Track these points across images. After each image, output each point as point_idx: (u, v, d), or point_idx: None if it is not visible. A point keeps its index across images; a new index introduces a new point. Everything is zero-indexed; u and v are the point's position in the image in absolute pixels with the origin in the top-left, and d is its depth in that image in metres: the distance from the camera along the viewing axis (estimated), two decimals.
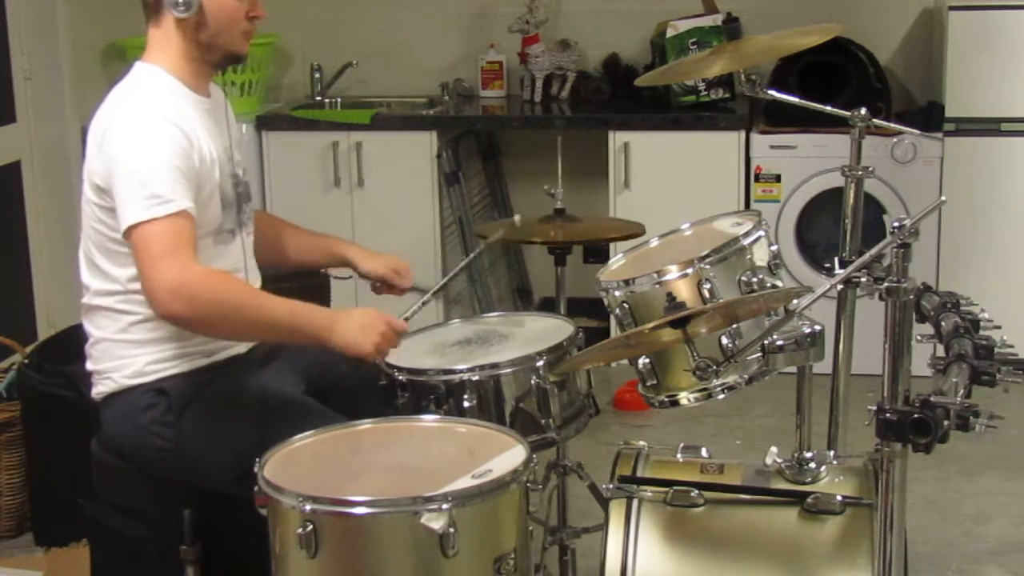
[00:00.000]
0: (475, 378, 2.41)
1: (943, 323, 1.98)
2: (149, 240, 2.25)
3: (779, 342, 2.17)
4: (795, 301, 2.07)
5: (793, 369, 2.27)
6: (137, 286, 2.36)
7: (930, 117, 4.63)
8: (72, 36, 4.72)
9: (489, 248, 5.02)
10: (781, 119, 4.64)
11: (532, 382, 2.43)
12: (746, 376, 2.20)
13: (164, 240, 2.25)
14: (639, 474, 2.36)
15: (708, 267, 2.22)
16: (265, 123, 4.86)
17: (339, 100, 5.27)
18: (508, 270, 5.34)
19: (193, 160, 2.35)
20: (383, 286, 2.78)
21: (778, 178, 4.64)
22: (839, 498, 2.24)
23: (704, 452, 2.43)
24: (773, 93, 2.92)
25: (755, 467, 2.36)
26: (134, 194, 2.27)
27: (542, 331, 2.62)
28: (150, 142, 2.31)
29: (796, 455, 2.33)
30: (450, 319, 2.89)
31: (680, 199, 4.54)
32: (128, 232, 2.27)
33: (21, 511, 3.60)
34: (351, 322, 2.33)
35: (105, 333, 2.47)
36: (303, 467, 2.10)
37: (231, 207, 2.50)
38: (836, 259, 2.79)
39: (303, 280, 2.92)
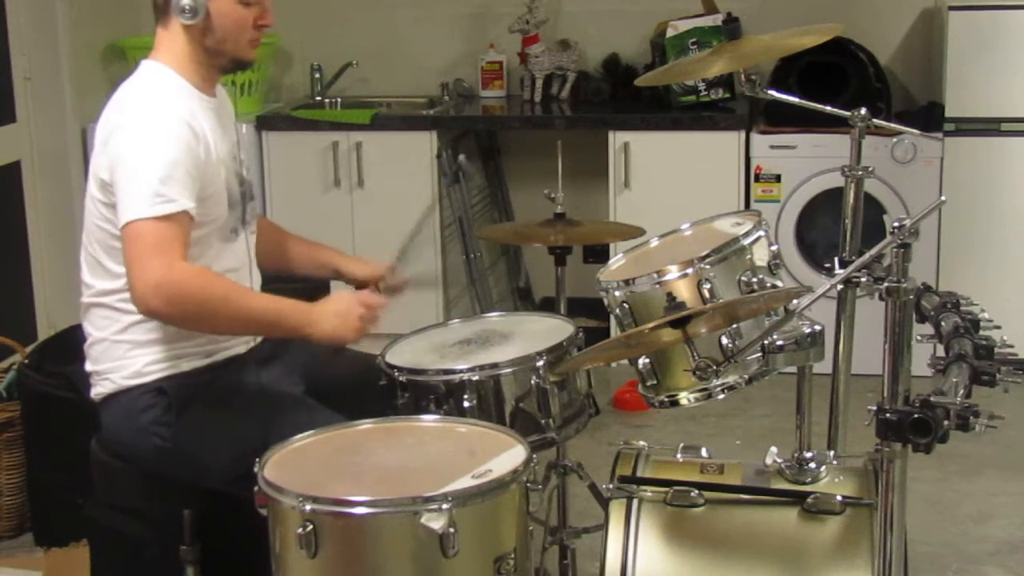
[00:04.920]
0: (475, 378, 2.41)
1: (943, 323, 1.98)
2: (140, 237, 2.26)
3: (779, 342, 2.16)
4: (795, 301, 2.07)
5: (793, 369, 2.27)
6: None
7: (930, 117, 4.63)
8: (72, 36, 4.72)
9: (490, 248, 5.06)
10: (781, 119, 4.65)
11: (532, 382, 2.43)
12: (746, 376, 2.20)
13: (155, 238, 2.26)
14: (639, 474, 2.36)
15: (708, 267, 2.21)
16: (265, 123, 4.87)
17: (339, 100, 5.27)
18: (508, 270, 5.35)
19: (200, 158, 2.36)
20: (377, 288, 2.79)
21: (778, 178, 4.64)
22: (839, 498, 2.24)
23: (704, 452, 2.43)
24: (773, 93, 2.92)
25: (755, 467, 2.36)
26: (136, 190, 2.28)
27: (542, 331, 2.61)
28: (157, 139, 2.32)
29: (796, 455, 2.33)
30: (450, 319, 2.89)
31: (680, 199, 4.54)
32: (125, 227, 2.28)
33: (21, 511, 3.60)
34: (327, 311, 2.38)
35: (104, 333, 2.47)
36: (303, 467, 2.10)
37: (236, 206, 2.51)
38: (836, 259, 2.79)
39: (302, 281, 2.93)
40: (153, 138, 2.32)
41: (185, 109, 2.39)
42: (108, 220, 2.39)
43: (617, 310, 2.30)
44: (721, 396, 2.23)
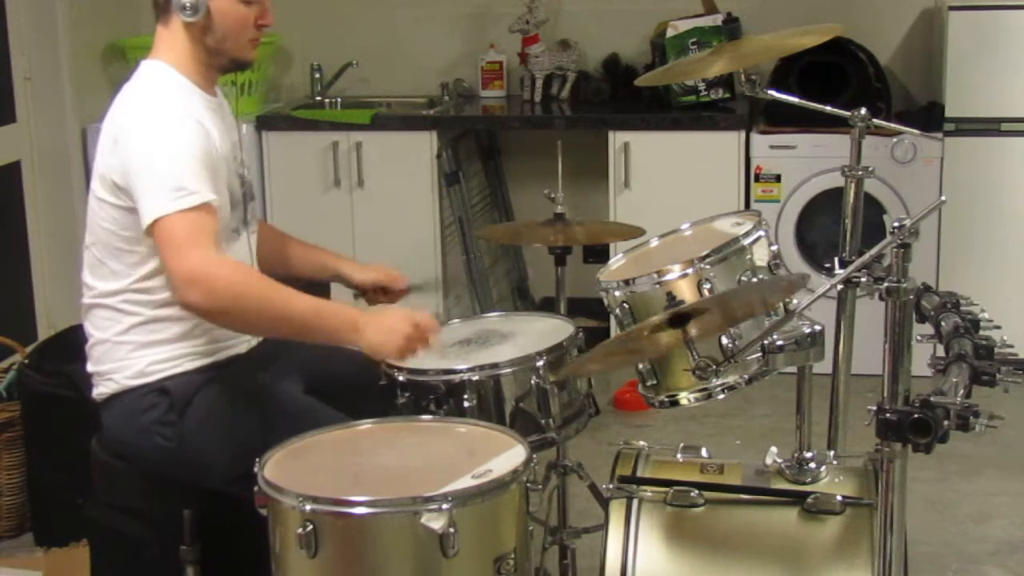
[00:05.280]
0: (475, 378, 2.41)
1: (943, 323, 1.98)
2: (173, 231, 2.25)
3: (779, 342, 2.16)
4: (795, 301, 2.07)
5: (793, 369, 2.27)
6: (142, 286, 2.40)
7: (930, 117, 4.63)
8: (72, 36, 4.72)
9: (490, 248, 5.06)
10: (781, 119, 4.65)
11: (532, 382, 2.43)
12: (746, 376, 2.20)
13: (186, 231, 2.25)
14: (639, 474, 2.36)
15: (708, 267, 2.22)
16: (265, 123, 4.86)
17: (339, 100, 5.26)
18: (508, 270, 5.35)
19: (212, 153, 2.36)
20: (379, 293, 2.79)
21: (778, 178, 4.64)
22: (839, 498, 2.24)
23: (704, 452, 2.43)
24: (773, 93, 2.92)
25: (755, 467, 2.36)
26: (158, 189, 2.27)
27: (542, 331, 2.62)
28: (171, 137, 2.32)
29: (796, 455, 2.33)
30: (450, 319, 2.90)
31: (680, 199, 4.54)
32: (152, 225, 2.27)
33: (21, 511, 3.60)
34: (375, 322, 2.30)
35: (106, 334, 2.47)
36: (303, 467, 2.10)
37: (238, 206, 2.51)
38: (836, 259, 2.79)
39: (301, 284, 2.92)
40: (165, 135, 2.32)
41: (189, 106, 2.40)
42: (115, 221, 2.38)
43: (617, 310, 2.30)
44: (721, 396, 2.23)
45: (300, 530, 1.93)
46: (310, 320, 2.30)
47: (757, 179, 4.65)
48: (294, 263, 2.81)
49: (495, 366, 2.43)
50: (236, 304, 2.26)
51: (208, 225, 2.28)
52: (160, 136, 2.32)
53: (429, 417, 2.33)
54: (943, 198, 2.05)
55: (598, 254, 4.29)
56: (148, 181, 2.29)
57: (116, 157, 2.35)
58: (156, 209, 2.26)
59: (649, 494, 2.30)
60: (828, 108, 2.88)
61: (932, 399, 1.72)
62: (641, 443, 2.47)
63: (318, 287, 3.01)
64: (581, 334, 2.57)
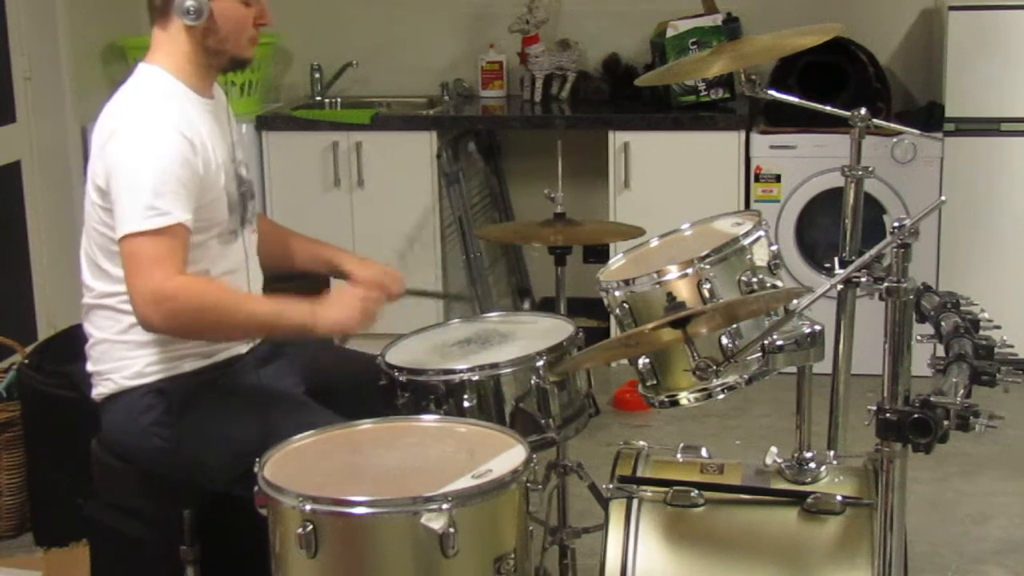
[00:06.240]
0: (475, 378, 2.41)
1: (943, 323, 1.98)
2: (138, 251, 2.27)
3: (779, 342, 2.16)
4: (795, 301, 2.07)
5: (793, 369, 2.27)
6: None
7: (930, 117, 4.63)
8: (72, 36, 4.72)
9: (490, 248, 5.06)
10: (781, 119, 4.64)
11: (532, 382, 2.43)
12: (746, 376, 2.20)
13: (150, 252, 2.26)
14: (639, 474, 2.36)
15: (708, 267, 2.21)
16: (265, 123, 4.87)
17: (339, 100, 5.27)
18: (508, 270, 5.34)
19: (197, 168, 2.35)
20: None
21: (778, 178, 4.64)
22: (839, 498, 2.24)
23: (704, 452, 2.43)
24: (773, 93, 2.92)
25: (755, 467, 2.36)
26: (132, 203, 2.28)
27: (542, 331, 2.62)
28: (153, 150, 2.31)
29: (796, 455, 2.33)
30: (450, 319, 2.89)
31: (680, 199, 4.54)
32: (121, 240, 2.28)
33: (21, 511, 3.60)
34: (329, 303, 2.39)
35: (105, 334, 2.47)
36: (303, 467, 2.10)
37: (235, 208, 2.50)
38: (836, 259, 2.79)
39: (302, 278, 2.92)
40: (147, 149, 2.31)
41: (181, 117, 2.38)
42: (106, 224, 2.38)
43: (617, 310, 2.30)
44: (721, 396, 2.23)
45: (300, 530, 1.93)
46: (269, 321, 2.39)
47: (757, 179, 4.65)
48: (295, 257, 2.81)
49: (495, 366, 2.43)
50: (195, 320, 2.30)
51: (175, 247, 2.29)
52: (142, 149, 2.31)
53: (429, 417, 2.33)
54: (943, 198, 2.05)
55: (598, 254, 4.30)
56: (124, 193, 2.30)
57: (102, 162, 2.35)
58: (127, 225, 2.28)
59: (649, 494, 2.30)
60: (828, 108, 2.89)
61: (932, 399, 1.72)
62: (641, 443, 2.47)
63: (316, 280, 3.03)
64: (581, 334, 2.57)
